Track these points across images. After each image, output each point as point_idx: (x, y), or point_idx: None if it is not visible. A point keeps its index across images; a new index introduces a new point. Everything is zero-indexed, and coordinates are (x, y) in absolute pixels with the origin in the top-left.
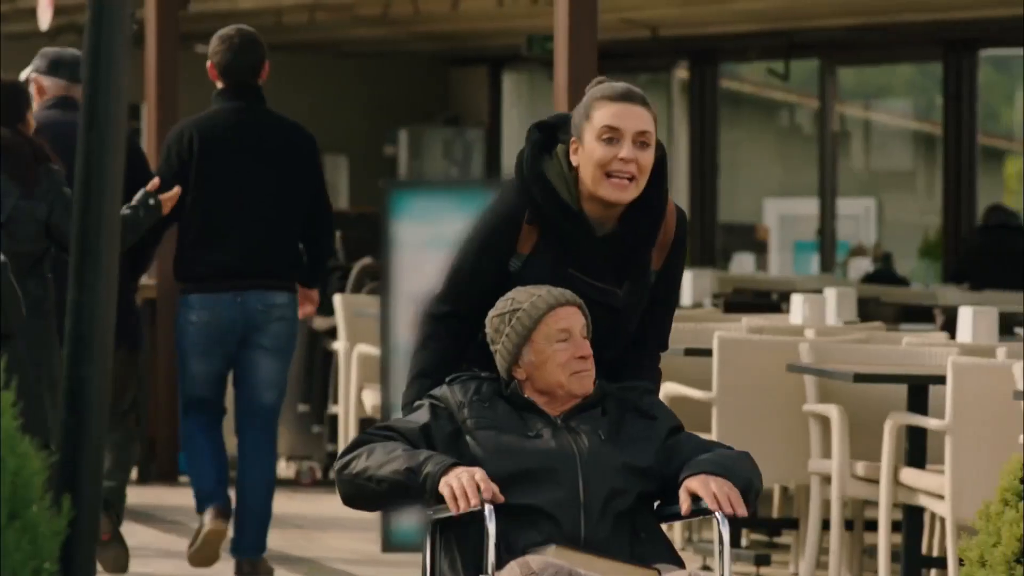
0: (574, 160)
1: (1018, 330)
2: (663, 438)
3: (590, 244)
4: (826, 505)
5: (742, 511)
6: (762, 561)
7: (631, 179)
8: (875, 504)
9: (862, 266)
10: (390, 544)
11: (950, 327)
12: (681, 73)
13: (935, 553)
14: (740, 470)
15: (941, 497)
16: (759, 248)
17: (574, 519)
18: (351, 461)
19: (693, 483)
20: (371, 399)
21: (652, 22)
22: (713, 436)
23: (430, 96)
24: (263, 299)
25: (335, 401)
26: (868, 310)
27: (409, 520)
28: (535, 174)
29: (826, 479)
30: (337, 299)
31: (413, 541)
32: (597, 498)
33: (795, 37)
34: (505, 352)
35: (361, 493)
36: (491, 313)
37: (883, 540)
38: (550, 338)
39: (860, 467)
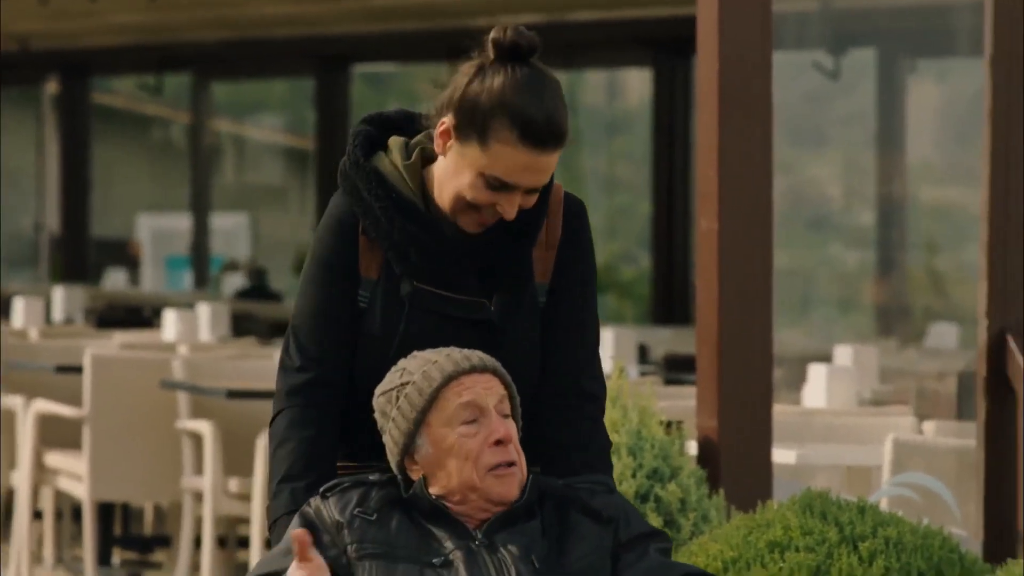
0: (439, 147)
1: None
2: (617, 556)
3: (442, 247)
4: (199, 522)
5: None
6: None
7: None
8: (248, 521)
9: (236, 282)
10: None
11: None
12: (51, 87)
13: None
14: None
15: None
16: (132, 263)
17: None
18: None
19: None
20: None
21: (21, 35)
22: (85, 454)
23: None
24: None
25: None
26: (242, 326)
27: None
28: (361, 167)
29: (199, 496)
30: None
31: None
32: None
33: (168, 51)
34: (393, 444)
35: None
36: (377, 390)
37: (257, 557)
38: (452, 420)
39: (233, 484)
